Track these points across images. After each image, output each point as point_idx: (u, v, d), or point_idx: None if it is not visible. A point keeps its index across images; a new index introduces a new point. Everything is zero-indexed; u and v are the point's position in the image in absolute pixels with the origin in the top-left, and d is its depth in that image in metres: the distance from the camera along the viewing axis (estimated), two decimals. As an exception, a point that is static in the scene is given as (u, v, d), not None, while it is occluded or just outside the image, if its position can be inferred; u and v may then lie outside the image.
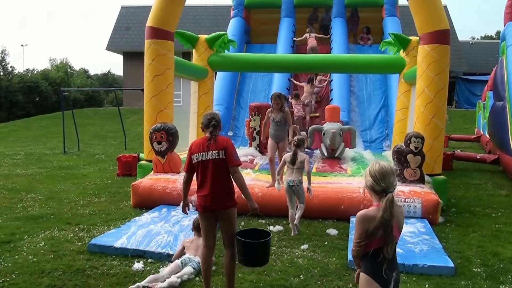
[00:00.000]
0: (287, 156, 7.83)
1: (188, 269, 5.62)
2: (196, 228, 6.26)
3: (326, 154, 12.08)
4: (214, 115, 5.12)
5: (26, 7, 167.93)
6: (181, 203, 5.29)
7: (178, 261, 5.77)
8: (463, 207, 9.42)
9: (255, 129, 12.74)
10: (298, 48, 18.63)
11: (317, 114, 15.88)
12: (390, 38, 12.82)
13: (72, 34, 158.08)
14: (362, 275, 3.53)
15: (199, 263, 5.61)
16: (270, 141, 9.32)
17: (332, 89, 16.08)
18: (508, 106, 12.55)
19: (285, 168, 7.89)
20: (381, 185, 3.44)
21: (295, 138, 8.11)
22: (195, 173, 5.04)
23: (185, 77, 12.37)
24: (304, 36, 18.00)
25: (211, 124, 4.99)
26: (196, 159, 4.96)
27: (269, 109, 9.36)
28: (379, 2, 18.99)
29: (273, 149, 9.24)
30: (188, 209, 5.27)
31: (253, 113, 12.76)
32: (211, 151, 4.90)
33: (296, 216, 7.48)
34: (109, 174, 12.73)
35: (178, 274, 5.49)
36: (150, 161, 9.93)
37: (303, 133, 12.84)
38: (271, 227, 7.67)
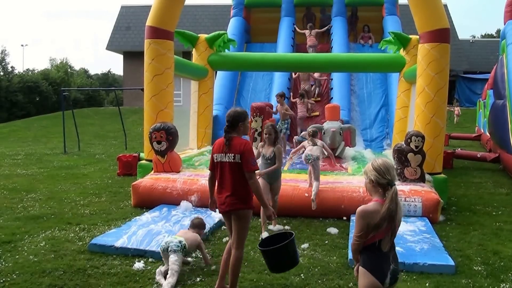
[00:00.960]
0: (305, 143, 9.15)
1: (172, 260, 5.49)
2: (192, 226, 6.29)
3: (326, 153, 12.07)
4: (229, 116, 5.02)
5: (26, 7, 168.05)
6: (209, 202, 5.33)
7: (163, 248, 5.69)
8: (463, 206, 9.42)
9: (256, 130, 12.71)
10: (298, 47, 18.63)
11: (317, 113, 15.88)
12: (390, 36, 12.82)
13: (72, 34, 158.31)
14: (360, 268, 3.66)
15: (180, 242, 5.66)
16: (261, 182, 7.34)
17: (332, 88, 16.08)
18: (509, 105, 12.55)
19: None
20: (386, 177, 3.58)
21: (309, 128, 9.49)
22: (216, 173, 5.10)
23: (185, 77, 12.38)
24: (303, 31, 18.05)
25: (224, 128, 5.02)
26: (216, 159, 5.04)
27: (261, 143, 7.89)
28: (379, 1, 18.98)
29: (266, 193, 7.45)
30: (216, 207, 5.27)
31: (254, 114, 12.74)
32: (228, 154, 4.93)
33: (313, 194, 8.34)
34: (109, 174, 12.73)
35: (169, 276, 5.38)
36: (150, 160, 9.93)
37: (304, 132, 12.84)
38: (270, 227, 7.67)
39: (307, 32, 17.84)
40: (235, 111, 5.08)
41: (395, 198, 3.53)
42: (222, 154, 4.97)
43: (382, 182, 3.59)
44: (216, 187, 5.13)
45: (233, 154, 4.90)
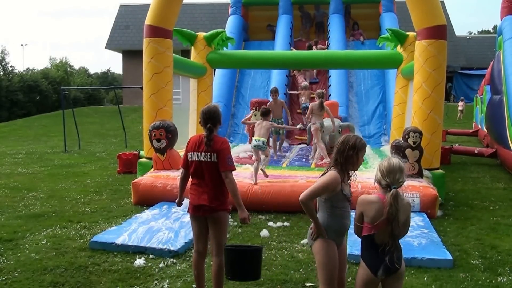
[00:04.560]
0: (314, 105, 11.38)
1: (263, 156, 9.31)
2: (262, 115, 9.56)
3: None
4: (211, 113, 4.71)
5: (25, 7, 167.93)
6: (177, 199, 5.08)
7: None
8: (461, 201, 9.49)
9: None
10: (296, 45, 18.68)
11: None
12: (388, 33, 12.85)
13: (72, 33, 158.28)
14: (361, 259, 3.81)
15: (263, 142, 9.17)
16: (328, 246, 4.01)
17: (330, 85, 16.15)
18: (506, 100, 12.60)
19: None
20: (386, 180, 3.65)
21: (317, 91, 11.88)
22: (190, 171, 4.83)
23: (184, 75, 12.41)
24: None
25: (207, 126, 4.67)
26: (191, 158, 4.76)
27: (336, 176, 3.97)
28: (376, -2, 19.07)
29: (335, 267, 4.05)
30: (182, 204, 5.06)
31: (254, 108, 12.80)
32: (204, 153, 4.65)
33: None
34: (109, 172, 12.77)
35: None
36: (150, 158, 9.98)
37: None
38: (271, 223, 7.72)
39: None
40: (215, 107, 4.80)
41: (394, 202, 3.56)
42: (197, 153, 4.68)
43: (382, 183, 3.69)
44: (190, 188, 4.85)
45: (209, 153, 4.62)
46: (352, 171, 4.07)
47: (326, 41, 18.38)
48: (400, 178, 3.63)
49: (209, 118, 4.69)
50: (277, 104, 12.77)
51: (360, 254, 3.84)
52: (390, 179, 3.62)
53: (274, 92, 12.89)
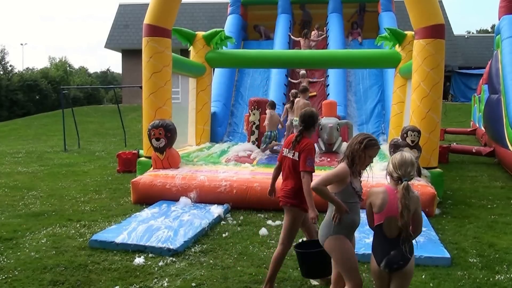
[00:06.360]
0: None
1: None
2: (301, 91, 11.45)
3: (324, 148, 12.16)
4: (308, 117, 5.12)
5: (25, 6, 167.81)
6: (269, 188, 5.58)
7: None
8: (459, 199, 9.52)
9: (254, 123, 12.81)
10: (295, 44, 18.71)
11: (315, 93, 16.51)
12: (386, 33, 12.89)
13: (71, 32, 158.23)
14: None
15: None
16: (340, 241, 4.14)
17: (328, 84, 16.17)
18: (503, 99, 12.63)
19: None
20: (397, 172, 3.78)
21: (292, 91, 12.81)
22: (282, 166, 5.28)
23: (183, 74, 12.44)
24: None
25: (299, 130, 5.14)
26: (283, 153, 5.23)
27: (345, 167, 4.11)
28: (376, -3, 19.10)
29: (354, 264, 4.19)
30: (274, 195, 5.53)
31: (252, 107, 12.81)
32: (291, 150, 5.08)
33: None
34: (109, 171, 12.79)
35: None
36: (150, 157, 10.00)
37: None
38: (270, 221, 7.74)
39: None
40: (312, 111, 5.18)
41: (405, 193, 3.69)
42: (287, 149, 5.15)
43: (393, 176, 3.82)
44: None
45: (293, 151, 5.04)
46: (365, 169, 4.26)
47: (317, 32, 18.50)
48: (411, 172, 3.79)
49: (303, 121, 5.14)
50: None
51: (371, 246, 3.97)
52: (402, 171, 3.76)
53: (270, 105, 12.18)
